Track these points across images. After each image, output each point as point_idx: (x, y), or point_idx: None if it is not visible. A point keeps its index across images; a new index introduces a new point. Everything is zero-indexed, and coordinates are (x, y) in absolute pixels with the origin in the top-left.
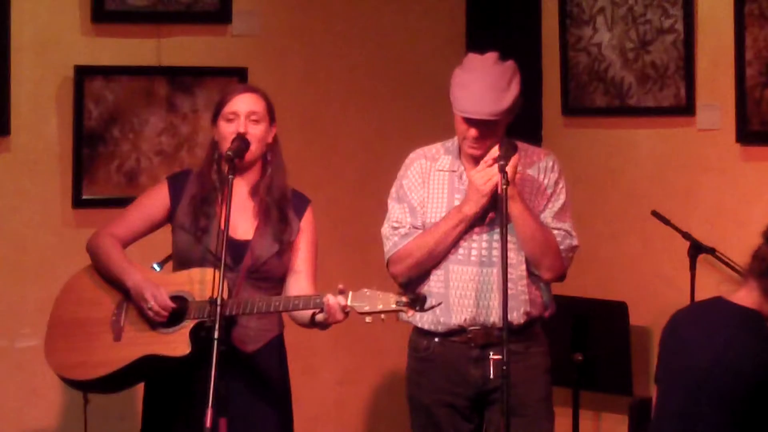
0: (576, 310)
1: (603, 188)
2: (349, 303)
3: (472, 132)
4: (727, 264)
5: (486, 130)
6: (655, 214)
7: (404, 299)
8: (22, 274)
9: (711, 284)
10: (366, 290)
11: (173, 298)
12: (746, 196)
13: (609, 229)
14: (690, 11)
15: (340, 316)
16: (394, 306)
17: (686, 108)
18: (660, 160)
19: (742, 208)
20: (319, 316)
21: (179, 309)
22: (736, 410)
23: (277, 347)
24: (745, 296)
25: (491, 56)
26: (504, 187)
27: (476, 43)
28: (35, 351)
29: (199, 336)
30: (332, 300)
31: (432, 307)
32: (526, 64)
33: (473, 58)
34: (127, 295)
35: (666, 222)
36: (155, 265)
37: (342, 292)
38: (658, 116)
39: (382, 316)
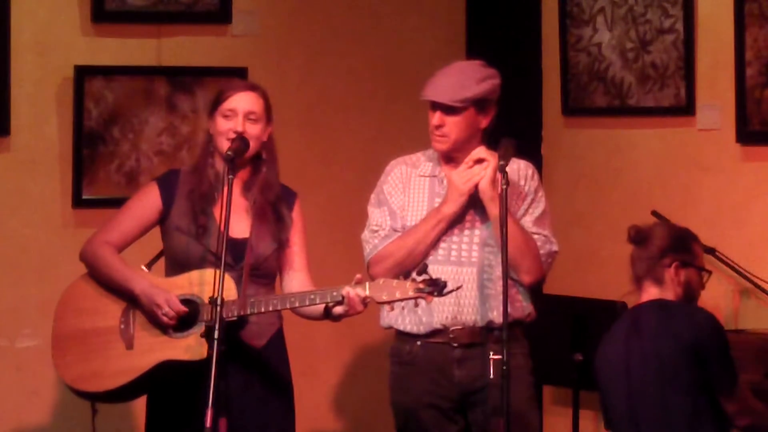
0: (576, 310)
1: (603, 188)
2: (367, 293)
3: (433, 118)
4: (727, 264)
5: (447, 118)
6: (655, 214)
7: (422, 286)
8: (22, 274)
9: (711, 284)
10: (380, 280)
11: (183, 302)
12: (746, 196)
13: (609, 229)
14: (690, 11)
15: (360, 307)
16: (412, 293)
17: (686, 108)
18: (660, 160)
19: (742, 208)
20: (338, 309)
21: (191, 313)
22: (694, 391)
23: (279, 340)
24: (646, 297)
25: (476, 61)
26: (504, 187)
27: (476, 43)
28: (35, 351)
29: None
30: (352, 292)
31: (451, 291)
32: (526, 64)
33: (458, 62)
34: (131, 302)
35: (666, 222)
36: (143, 267)
37: (359, 283)
38: (658, 116)
39: (402, 303)
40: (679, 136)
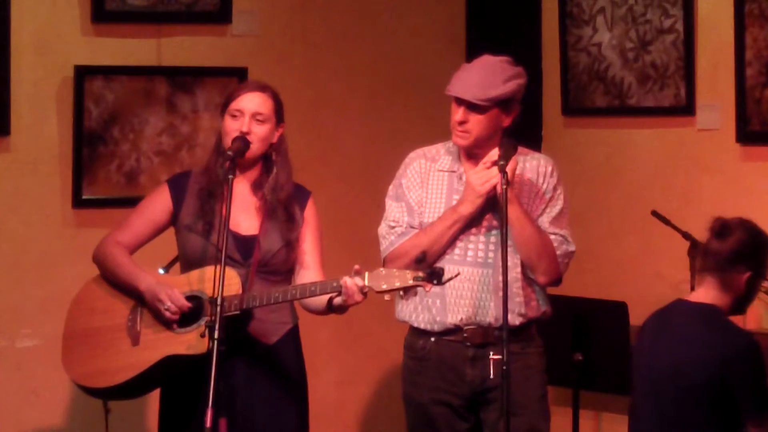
0: (576, 310)
1: (603, 188)
2: (366, 283)
3: (456, 114)
4: None
5: (471, 115)
6: (655, 214)
7: (421, 274)
8: (22, 274)
9: None
10: (381, 269)
11: (188, 298)
12: (746, 196)
13: (609, 229)
14: (690, 11)
15: (359, 297)
16: (411, 282)
17: (686, 108)
18: (660, 160)
19: (742, 208)
20: (337, 300)
21: (195, 308)
22: (709, 404)
23: (293, 339)
24: (702, 294)
25: (504, 57)
26: (504, 187)
27: (476, 44)
28: (35, 351)
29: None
30: (350, 282)
31: (450, 279)
32: (526, 64)
33: (485, 55)
34: (139, 300)
35: (666, 222)
36: (161, 270)
37: (358, 273)
38: (658, 116)
39: (401, 292)
40: (679, 136)
